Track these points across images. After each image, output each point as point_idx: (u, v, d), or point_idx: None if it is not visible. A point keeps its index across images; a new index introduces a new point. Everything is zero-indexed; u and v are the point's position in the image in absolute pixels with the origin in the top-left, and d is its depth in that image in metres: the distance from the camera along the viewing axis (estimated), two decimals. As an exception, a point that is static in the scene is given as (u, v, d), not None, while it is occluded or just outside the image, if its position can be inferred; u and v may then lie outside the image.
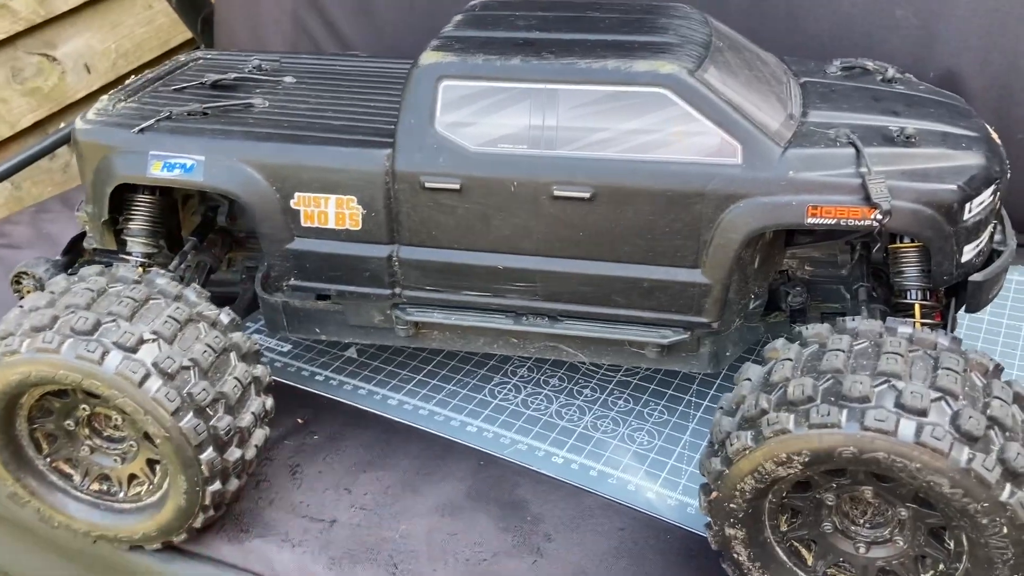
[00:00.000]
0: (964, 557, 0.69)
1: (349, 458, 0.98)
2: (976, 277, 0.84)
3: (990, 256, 0.88)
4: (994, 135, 0.89)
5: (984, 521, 0.65)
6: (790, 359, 0.73)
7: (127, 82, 1.04)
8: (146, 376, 0.79)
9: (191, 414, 0.81)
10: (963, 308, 0.87)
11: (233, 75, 1.02)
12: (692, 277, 0.85)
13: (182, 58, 1.11)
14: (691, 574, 0.83)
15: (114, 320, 0.80)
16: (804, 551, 0.76)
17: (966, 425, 0.65)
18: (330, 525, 0.89)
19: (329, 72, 1.06)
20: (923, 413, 0.66)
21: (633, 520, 0.92)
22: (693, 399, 1.04)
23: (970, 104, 1.00)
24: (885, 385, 0.67)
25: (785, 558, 0.76)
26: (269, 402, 0.91)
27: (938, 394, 0.67)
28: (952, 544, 0.70)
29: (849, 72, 0.98)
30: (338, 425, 1.02)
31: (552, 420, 1.02)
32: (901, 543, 0.73)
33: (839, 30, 1.27)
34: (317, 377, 1.09)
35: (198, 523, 0.87)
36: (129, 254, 0.99)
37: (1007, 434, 0.66)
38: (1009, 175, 0.88)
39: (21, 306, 0.86)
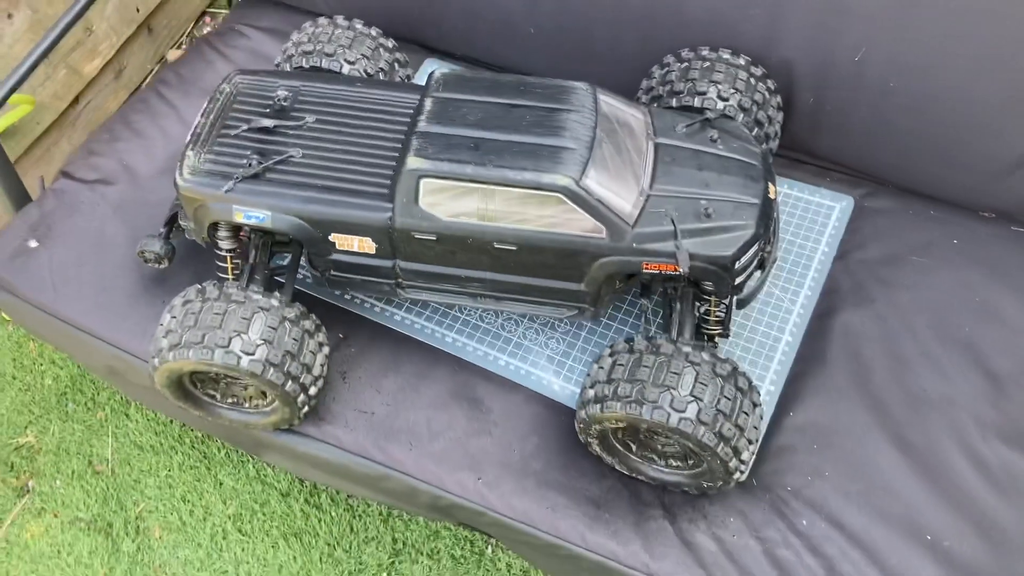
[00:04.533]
0: (702, 464, 1.34)
1: (376, 365, 1.54)
2: (740, 296, 1.40)
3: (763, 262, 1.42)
4: (772, 193, 1.39)
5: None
6: (622, 365, 1.32)
7: (196, 128, 1.45)
8: (264, 368, 1.36)
9: (290, 382, 1.39)
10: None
11: (272, 122, 1.45)
12: (579, 287, 1.39)
13: (226, 88, 1.50)
14: (579, 446, 1.41)
15: (238, 334, 1.36)
16: (632, 446, 1.41)
17: (703, 418, 1.26)
18: (371, 415, 1.49)
19: (341, 108, 1.45)
20: (683, 410, 1.26)
21: (544, 407, 1.43)
22: (586, 323, 1.60)
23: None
24: (667, 390, 1.27)
25: (623, 451, 1.41)
26: (327, 349, 1.48)
27: (692, 397, 1.27)
28: (691, 462, 1.35)
29: (689, 129, 1.43)
30: (365, 339, 1.57)
31: (498, 332, 1.60)
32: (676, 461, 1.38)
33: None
34: (346, 296, 1.66)
35: (296, 423, 1.50)
36: (219, 248, 1.51)
37: (729, 418, 1.26)
38: (777, 220, 1.40)
39: (174, 316, 1.40)
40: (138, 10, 2.42)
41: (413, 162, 1.32)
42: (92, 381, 2.06)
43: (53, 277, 1.61)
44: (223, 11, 2.76)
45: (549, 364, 1.55)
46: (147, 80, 2.60)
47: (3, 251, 1.65)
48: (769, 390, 1.50)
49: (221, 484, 1.89)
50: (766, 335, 1.56)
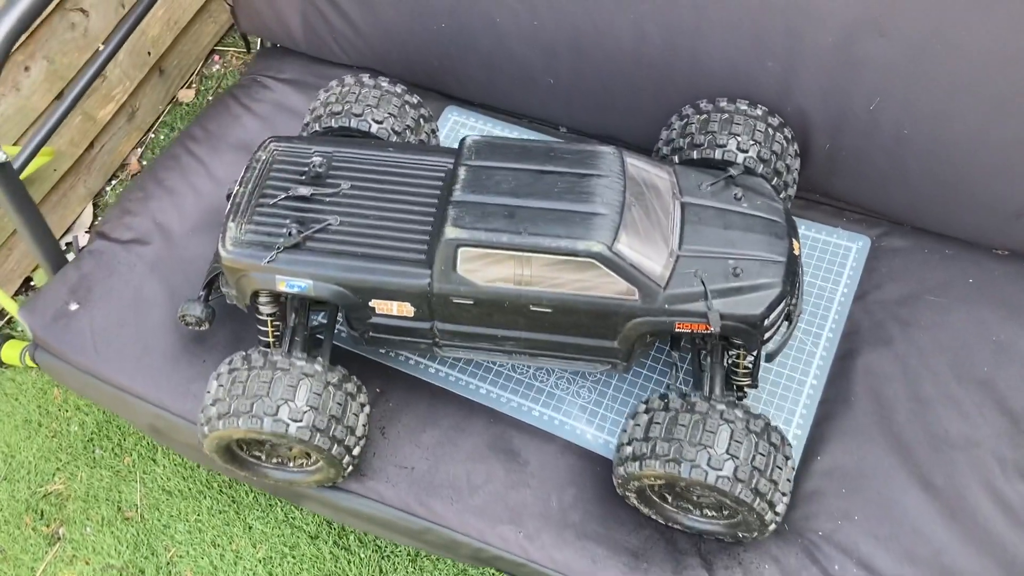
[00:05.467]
0: (738, 516, 1.39)
1: (414, 419, 1.59)
2: (768, 348, 1.45)
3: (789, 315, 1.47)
4: (796, 249, 1.44)
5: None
6: (659, 423, 1.36)
7: (235, 198, 1.48)
8: (311, 435, 1.41)
9: (336, 445, 1.44)
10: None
11: (309, 190, 1.49)
12: (612, 344, 1.44)
13: (262, 156, 1.54)
14: (615, 496, 1.49)
15: (285, 402, 1.40)
16: (668, 498, 1.46)
17: (740, 475, 1.31)
18: (411, 471, 1.54)
19: (375, 173, 1.49)
20: (720, 468, 1.31)
21: (579, 457, 1.50)
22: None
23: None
24: (703, 448, 1.32)
25: (660, 502, 1.46)
26: (368, 409, 1.53)
27: (728, 456, 1.32)
28: (726, 512, 1.41)
29: (713, 187, 1.48)
30: (402, 392, 1.62)
31: (531, 382, 1.66)
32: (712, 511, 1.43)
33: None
34: (380, 350, 1.70)
35: (340, 481, 1.55)
36: (260, 312, 1.55)
37: (764, 474, 1.32)
38: (801, 274, 1.45)
39: (221, 385, 1.44)
40: (149, 53, 2.47)
41: (451, 232, 1.36)
42: (118, 427, 2.10)
43: (95, 339, 1.66)
44: (231, 49, 2.80)
45: (581, 413, 1.60)
46: (159, 119, 2.65)
47: (45, 314, 1.70)
48: (796, 434, 1.55)
49: (250, 528, 1.94)
50: (791, 379, 1.61)
